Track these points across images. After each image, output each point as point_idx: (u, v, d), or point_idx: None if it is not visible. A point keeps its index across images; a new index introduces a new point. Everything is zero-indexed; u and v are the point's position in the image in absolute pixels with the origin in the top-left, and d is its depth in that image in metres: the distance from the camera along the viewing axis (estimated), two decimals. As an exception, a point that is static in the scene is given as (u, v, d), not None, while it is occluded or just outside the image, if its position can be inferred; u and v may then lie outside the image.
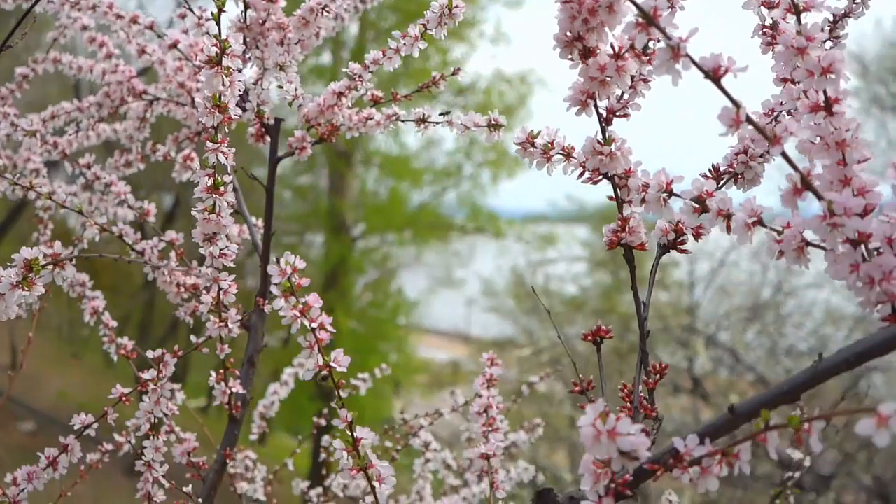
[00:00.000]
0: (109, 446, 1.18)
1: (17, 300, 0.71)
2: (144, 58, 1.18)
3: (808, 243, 0.57)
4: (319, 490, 1.39)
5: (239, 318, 0.94)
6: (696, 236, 0.70)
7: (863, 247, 0.55)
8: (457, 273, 12.23)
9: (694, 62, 0.53)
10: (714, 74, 0.53)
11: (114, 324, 1.14)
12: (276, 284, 0.64)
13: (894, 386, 6.88)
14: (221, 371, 1.00)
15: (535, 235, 11.01)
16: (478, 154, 11.64)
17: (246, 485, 1.35)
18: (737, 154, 0.71)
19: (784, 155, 0.54)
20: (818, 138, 0.57)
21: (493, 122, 0.89)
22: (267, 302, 1.00)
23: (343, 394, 0.73)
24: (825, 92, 0.56)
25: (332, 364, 0.66)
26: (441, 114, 0.99)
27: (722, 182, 0.72)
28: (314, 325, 0.65)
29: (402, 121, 1.02)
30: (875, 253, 0.55)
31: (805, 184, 0.54)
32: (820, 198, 0.54)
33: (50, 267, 0.69)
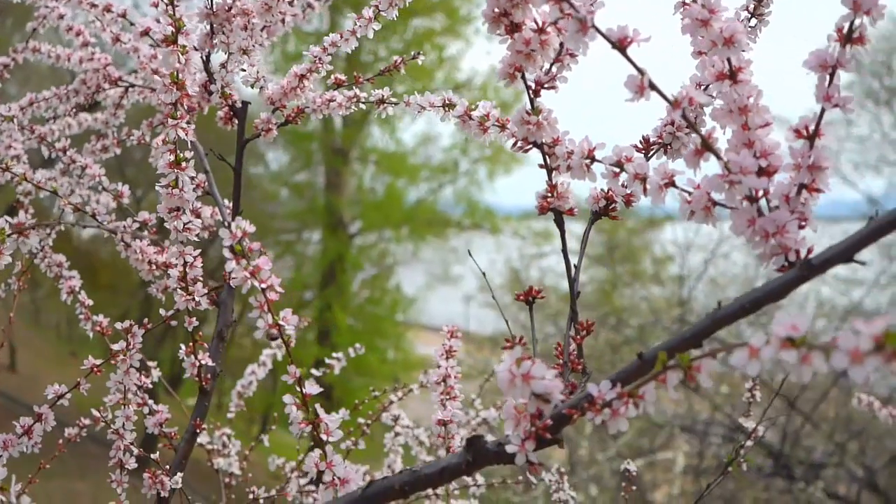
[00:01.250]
0: (87, 421, 1.22)
1: (-14, 268, 0.75)
2: (119, 45, 1.22)
3: (715, 203, 0.61)
4: (293, 464, 1.44)
5: (205, 291, 0.98)
6: (627, 203, 0.74)
7: (764, 203, 0.60)
8: (454, 269, 12.28)
9: (601, 33, 0.57)
10: (620, 45, 0.57)
11: (90, 302, 1.17)
12: (227, 247, 0.68)
13: (881, 374, 6.91)
14: (191, 344, 1.04)
15: (531, 231, 11.05)
16: (474, 150, 11.70)
17: (222, 460, 1.40)
18: (665, 125, 0.75)
19: (685, 119, 0.58)
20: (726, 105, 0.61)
21: (447, 102, 0.93)
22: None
23: (314, 373, 0.77)
24: (729, 61, 0.60)
25: (282, 323, 0.70)
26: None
27: (651, 152, 0.76)
28: (264, 286, 0.69)
29: (363, 102, 1.06)
30: (776, 209, 0.59)
31: (706, 145, 0.58)
32: (719, 158, 0.58)
33: (14, 235, 0.73)
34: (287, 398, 0.72)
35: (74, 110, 1.31)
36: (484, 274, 0.82)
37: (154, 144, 1.29)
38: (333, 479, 0.71)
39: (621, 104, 0.63)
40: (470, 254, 0.84)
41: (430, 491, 1.32)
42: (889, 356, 0.38)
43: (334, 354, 1.51)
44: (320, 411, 0.72)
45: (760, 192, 0.58)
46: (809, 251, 0.57)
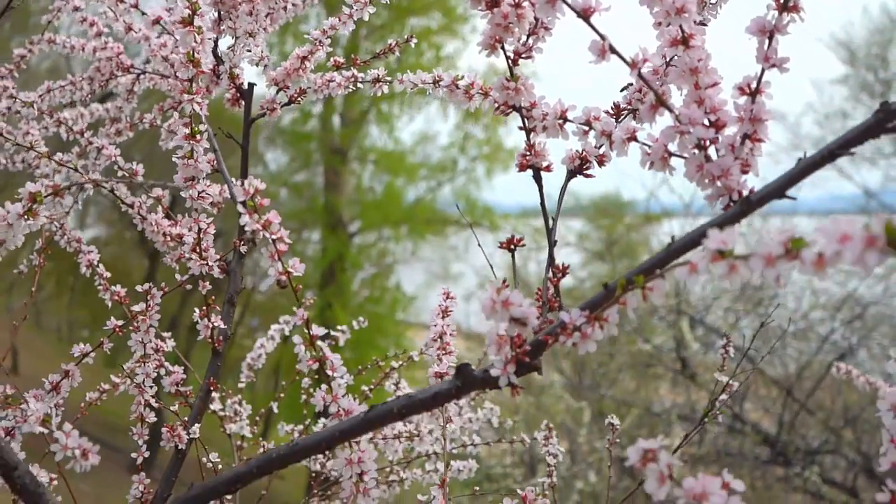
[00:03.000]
0: (106, 386, 1.30)
1: (23, 230, 0.83)
2: (130, 34, 1.31)
3: (671, 153, 0.69)
4: (301, 427, 1.52)
5: (217, 257, 1.07)
6: (600, 163, 0.83)
7: (713, 152, 0.68)
8: (453, 267, 12.36)
9: (567, 3, 0.65)
10: (584, 14, 0.65)
11: (107, 274, 1.26)
12: (241, 203, 0.76)
13: (878, 361, 7.02)
14: (204, 308, 1.13)
15: (530, 228, 11.13)
16: (472, 148, 11.80)
17: (234, 426, 1.48)
18: (633, 93, 0.83)
19: (642, 78, 0.67)
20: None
21: (437, 79, 1.01)
22: (244, 244, 1.13)
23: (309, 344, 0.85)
24: (681, 28, 0.69)
25: (290, 270, 0.78)
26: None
27: (622, 116, 0.84)
28: (274, 237, 0.77)
29: (361, 82, 1.15)
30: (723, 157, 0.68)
31: (659, 101, 0.67)
32: (671, 111, 0.66)
33: (51, 197, 0.81)
34: (296, 338, 0.80)
35: (89, 98, 1.39)
36: (488, 262, 0.90)
37: (164, 128, 1.37)
38: (339, 410, 0.79)
39: (600, 81, 0.71)
40: (477, 240, 0.92)
41: (430, 449, 1.41)
42: (793, 257, 0.47)
43: (339, 327, 1.59)
44: (326, 350, 0.81)
45: (708, 142, 0.66)
46: (751, 191, 0.65)
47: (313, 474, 1.54)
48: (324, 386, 0.80)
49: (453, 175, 11.85)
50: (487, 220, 11.47)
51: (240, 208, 0.76)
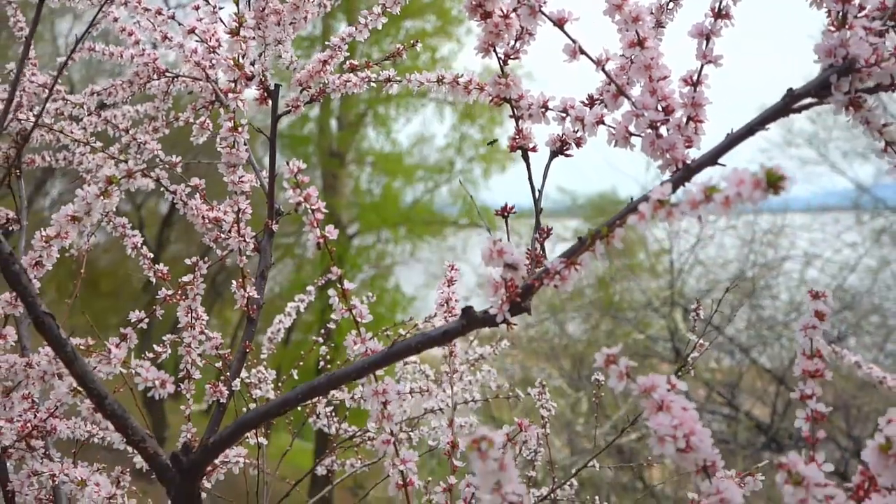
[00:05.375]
0: (151, 354, 1.47)
1: (100, 208, 1.00)
2: (166, 42, 1.47)
3: (631, 133, 0.87)
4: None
5: (254, 234, 1.24)
6: (577, 145, 1.00)
7: (664, 131, 0.85)
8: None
9: (545, 15, 0.82)
10: (559, 23, 0.83)
11: (150, 255, 1.43)
12: (286, 179, 0.93)
13: (868, 350, 7.20)
14: (241, 280, 1.30)
15: (529, 228, 11.29)
16: (469, 149, 11.98)
17: (260, 391, 1.65)
18: (604, 85, 1.01)
19: (605, 73, 0.84)
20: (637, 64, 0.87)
21: (440, 77, 1.18)
22: (275, 223, 1.30)
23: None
24: (637, 33, 0.86)
25: (326, 234, 0.96)
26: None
27: (595, 105, 1.01)
28: (314, 208, 0.95)
29: (374, 82, 1.32)
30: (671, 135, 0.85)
31: (619, 91, 0.84)
32: (629, 99, 0.84)
33: (126, 179, 0.98)
34: (331, 291, 0.98)
35: (127, 100, 1.57)
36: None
37: (196, 124, 1.54)
38: (366, 350, 0.97)
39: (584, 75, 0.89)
40: (489, 230, 1.09)
41: (437, 407, 1.58)
42: (709, 200, 0.64)
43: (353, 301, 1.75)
44: (355, 301, 0.98)
45: (659, 123, 0.83)
46: (692, 161, 0.83)
47: (331, 437, 1.71)
48: (353, 331, 0.97)
49: (450, 176, 12.02)
50: (486, 220, 11.59)
51: (285, 184, 0.94)
